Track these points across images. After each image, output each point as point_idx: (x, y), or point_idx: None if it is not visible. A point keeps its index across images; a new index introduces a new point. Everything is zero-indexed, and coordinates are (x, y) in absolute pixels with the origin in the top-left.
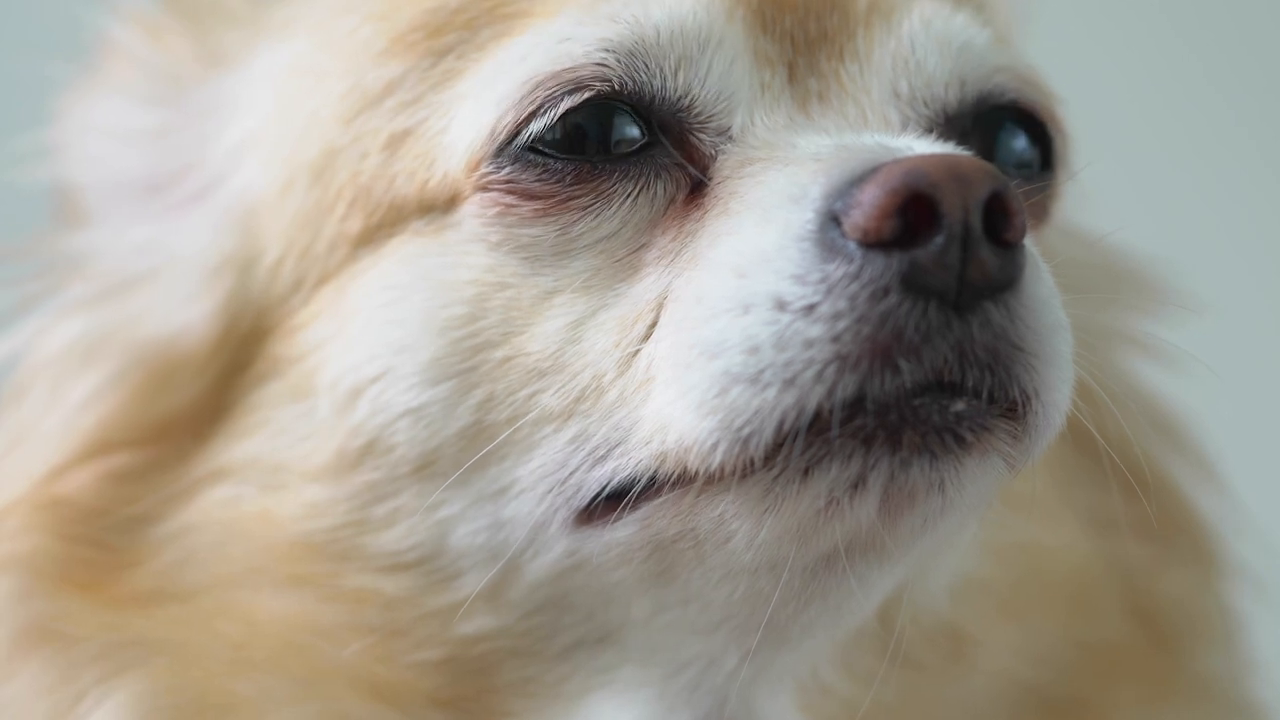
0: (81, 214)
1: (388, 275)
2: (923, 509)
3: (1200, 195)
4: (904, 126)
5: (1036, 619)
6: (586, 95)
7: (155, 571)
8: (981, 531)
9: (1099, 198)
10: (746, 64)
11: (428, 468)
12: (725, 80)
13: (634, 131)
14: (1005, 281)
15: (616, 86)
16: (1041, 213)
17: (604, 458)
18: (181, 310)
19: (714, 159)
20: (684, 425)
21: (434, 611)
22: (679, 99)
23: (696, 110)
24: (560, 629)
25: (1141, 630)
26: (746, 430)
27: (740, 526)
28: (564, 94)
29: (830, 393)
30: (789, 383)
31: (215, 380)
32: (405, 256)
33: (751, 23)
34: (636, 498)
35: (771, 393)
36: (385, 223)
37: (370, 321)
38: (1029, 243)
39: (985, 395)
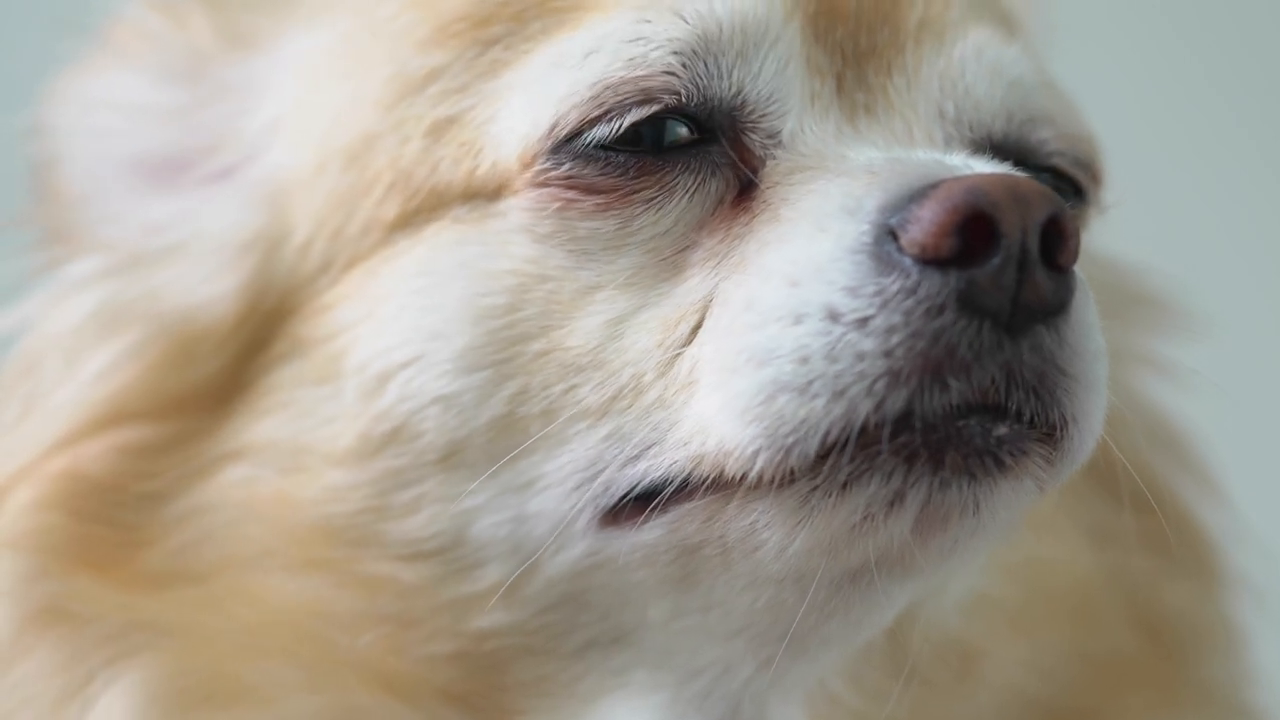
0: (66, 189)
1: (425, 260)
2: (955, 530)
3: (1207, 210)
4: (949, 145)
5: (1043, 633)
6: (654, 109)
7: (168, 551)
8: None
9: (1108, 216)
10: (799, 68)
11: (454, 456)
12: (778, 82)
13: (684, 130)
14: (1058, 305)
15: (684, 99)
16: None
17: (637, 458)
18: (206, 285)
19: (764, 162)
20: (726, 430)
21: (450, 603)
22: (733, 96)
23: (749, 109)
24: (575, 627)
25: (1146, 641)
26: (791, 439)
27: (771, 536)
28: (633, 104)
29: (879, 406)
30: (839, 394)
31: (235, 357)
32: (444, 243)
33: (806, 29)
34: (666, 501)
35: (820, 403)
36: (425, 208)
37: (404, 306)
38: (1078, 269)
39: (1027, 418)
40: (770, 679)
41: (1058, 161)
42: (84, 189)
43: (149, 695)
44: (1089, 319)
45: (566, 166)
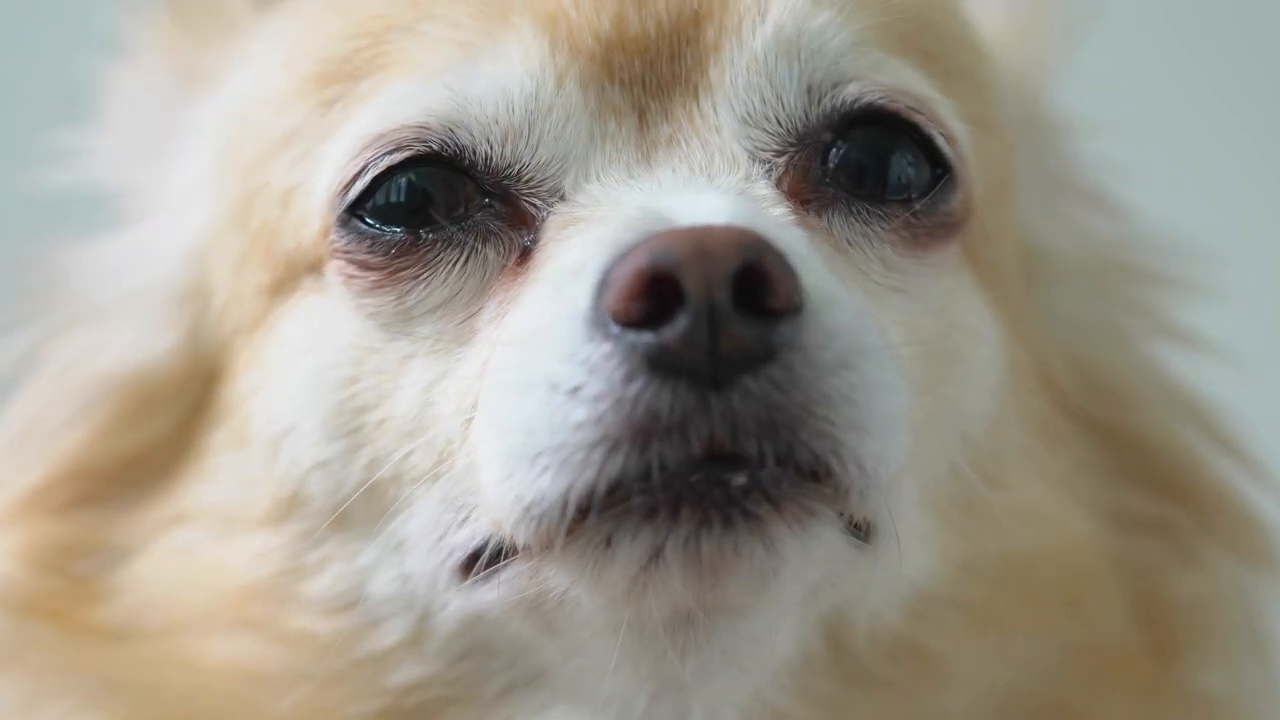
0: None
1: (288, 332)
2: (746, 572)
3: (1229, 181)
4: (752, 161)
5: (1020, 626)
6: (404, 156)
7: (117, 610)
8: (934, 549)
9: (1130, 185)
10: (582, 122)
11: (343, 519)
12: (558, 145)
13: (463, 198)
14: (763, 353)
15: (436, 148)
16: (938, 229)
17: (465, 520)
18: (148, 341)
19: (543, 220)
20: (493, 500)
21: (365, 659)
22: (506, 167)
23: (526, 177)
24: (489, 674)
25: (1142, 635)
26: (536, 510)
27: (578, 593)
28: (382, 155)
29: (598, 475)
30: (563, 464)
31: (182, 417)
32: (299, 314)
33: (593, 76)
34: (501, 560)
35: (549, 476)
36: (287, 277)
37: (280, 376)
38: (829, 300)
39: (773, 463)
40: (672, 709)
41: (866, 103)
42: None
43: None
44: (835, 355)
45: (345, 240)
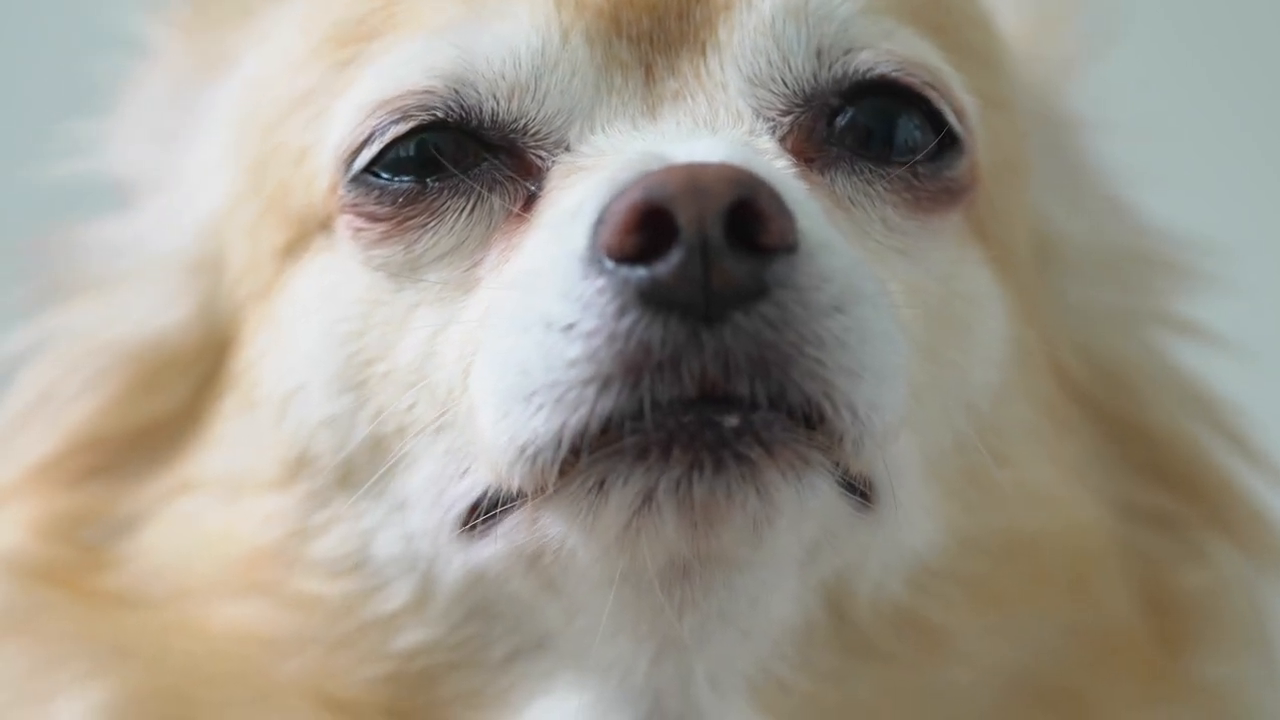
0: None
1: (300, 291)
2: (740, 519)
3: (1239, 177)
4: (757, 118)
5: (1024, 605)
6: (410, 125)
7: (126, 578)
8: (938, 520)
9: (1143, 184)
10: (588, 76)
11: (348, 477)
12: (561, 99)
13: (470, 150)
14: (756, 289)
15: (442, 115)
16: (941, 194)
17: (465, 472)
18: (162, 312)
19: (548, 170)
20: (490, 444)
21: (371, 622)
22: (512, 121)
23: (532, 130)
24: (493, 639)
25: (1150, 623)
26: (531, 450)
27: (574, 541)
28: (389, 123)
29: (590, 413)
30: (556, 403)
31: (195, 387)
32: (311, 272)
33: (599, 31)
34: (498, 512)
35: (543, 414)
36: (299, 236)
37: (291, 335)
38: (826, 245)
39: (765, 404)
40: (674, 672)
41: (879, 74)
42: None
43: (111, 714)
44: (828, 297)
45: (352, 194)
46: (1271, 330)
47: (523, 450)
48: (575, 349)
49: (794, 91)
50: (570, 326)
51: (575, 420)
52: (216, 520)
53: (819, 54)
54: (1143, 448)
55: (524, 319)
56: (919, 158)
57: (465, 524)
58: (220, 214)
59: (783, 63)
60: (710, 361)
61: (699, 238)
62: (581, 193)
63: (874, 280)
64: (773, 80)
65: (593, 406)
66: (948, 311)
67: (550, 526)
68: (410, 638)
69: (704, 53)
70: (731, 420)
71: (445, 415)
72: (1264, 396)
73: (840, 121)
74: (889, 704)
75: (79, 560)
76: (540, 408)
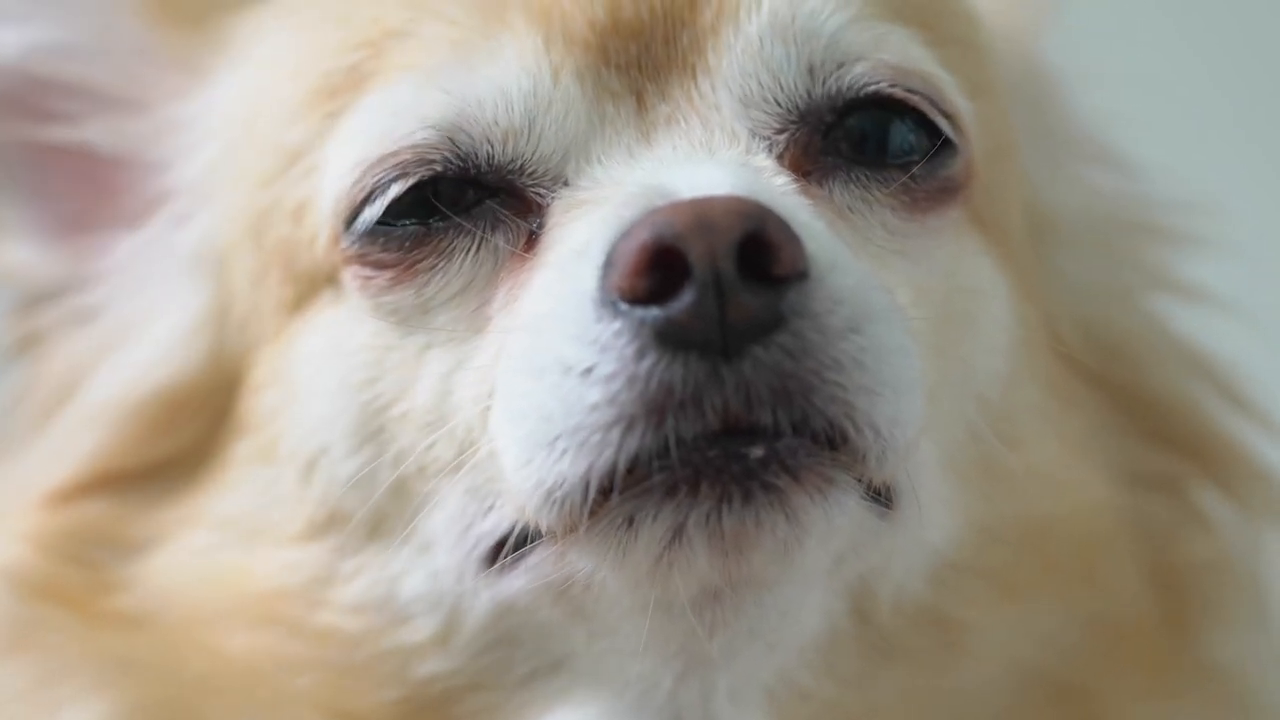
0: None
1: (309, 346)
2: (770, 545)
3: (1230, 133)
4: (752, 137)
5: (1038, 596)
6: (411, 182)
7: (133, 600)
8: (955, 513)
9: (1131, 138)
10: (581, 111)
11: (378, 528)
12: (559, 137)
13: (470, 193)
14: (772, 321)
15: (441, 169)
16: (939, 194)
17: (490, 509)
18: (172, 356)
19: (548, 206)
20: (515, 486)
21: (391, 651)
22: (509, 163)
23: (529, 169)
24: (514, 663)
25: (1158, 602)
26: (558, 494)
27: (604, 574)
28: (390, 181)
29: (617, 454)
30: (581, 447)
31: (208, 424)
32: (319, 326)
33: (588, 66)
34: (525, 547)
35: (567, 459)
36: (305, 291)
37: (307, 393)
38: (836, 266)
39: (789, 431)
40: (697, 688)
41: (876, 89)
42: None
43: None
44: (843, 319)
45: (356, 246)
46: (1268, 289)
47: (550, 494)
48: (596, 393)
49: (787, 110)
50: (589, 370)
51: (602, 462)
52: (230, 559)
53: (811, 71)
54: (1144, 414)
55: (539, 363)
56: (915, 163)
57: (491, 561)
58: (219, 251)
59: (774, 83)
60: (732, 396)
61: (711, 274)
62: (586, 230)
63: (884, 294)
64: (765, 101)
65: (618, 448)
66: (953, 308)
67: (579, 561)
68: (429, 668)
69: (694, 76)
70: (757, 451)
71: (464, 455)
72: (1262, 356)
73: (835, 134)
74: (906, 705)
75: (82, 579)
76: (564, 452)
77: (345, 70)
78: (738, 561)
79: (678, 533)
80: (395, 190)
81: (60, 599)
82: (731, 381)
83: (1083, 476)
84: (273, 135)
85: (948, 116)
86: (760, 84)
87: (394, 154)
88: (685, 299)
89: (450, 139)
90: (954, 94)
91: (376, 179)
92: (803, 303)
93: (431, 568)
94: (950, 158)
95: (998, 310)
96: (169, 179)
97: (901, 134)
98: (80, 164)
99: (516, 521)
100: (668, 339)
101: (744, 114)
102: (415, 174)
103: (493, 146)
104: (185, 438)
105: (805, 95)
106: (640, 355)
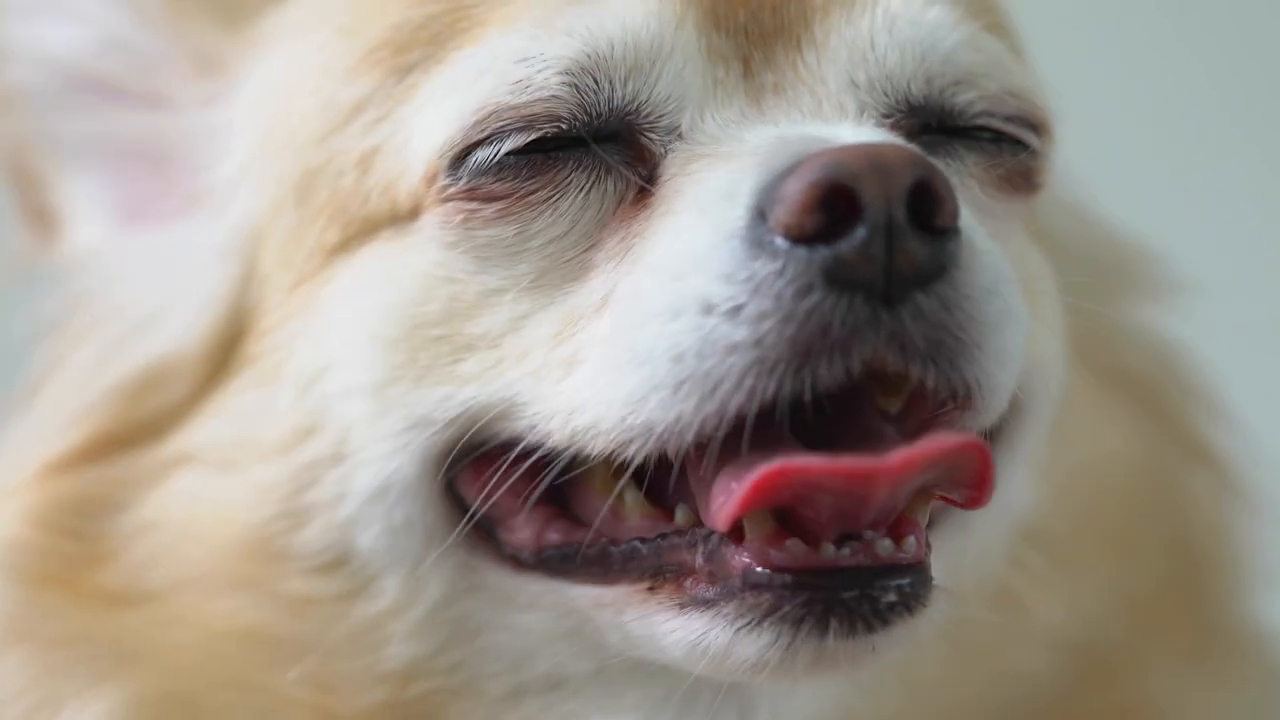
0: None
1: (355, 277)
2: (873, 660)
3: (1196, 183)
4: (862, 114)
5: (1089, 569)
6: (534, 136)
7: (123, 569)
8: (1032, 488)
9: (1093, 186)
10: (698, 65)
11: (344, 445)
12: (675, 84)
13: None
14: (935, 270)
15: (565, 127)
16: (1022, 179)
17: (501, 416)
18: (184, 330)
19: (662, 157)
20: (603, 414)
21: (362, 625)
22: (626, 105)
23: (645, 113)
24: (490, 672)
25: (1180, 567)
26: (666, 436)
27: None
28: (512, 130)
29: (749, 399)
30: (710, 392)
31: (202, 380)
32: (372, 259)
33: (703, 23)
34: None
35: (692, 403)
36: (359, 234)
37: (338, 317)
38: (972, 228)
39: (930, 386)
40: (736, 710)
41: (986, 121)
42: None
43: None
44: (986, 281)
45: (464, 181)
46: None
47: (658, 434)
48: (741, 332)
49: (895, 101)
50: (736, 309)
51: (733, 406)
52: (210, 496)
53: (928, 80)
54: (1146, 394)
55: (675, 303)
56: (1005, 163)
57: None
58: (251, 233)
59: (884, 78)
60: (885, 343)
61: (884, 217)
62: (727, 176)
63: (1008, 263)
64: (872, 87)
65: (751, 391)
66: (1028, 290)
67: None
68: (399, 652)
69: (799, 48)
70: (890, 597)
71: (492, 370)
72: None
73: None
74: (953, 684)
75: (78, 553)
76: (688, 395)
77: (416, 25)
78: (832, 670)
79: (787, 647)
80: (516, 141)
81: (55, 582)
82: (888, 328)
83: (1122, 449)
84: (323, 96)
85: (1037, 130)
86: (868, 73)
87: (525, 105)
88: (857, 238)
89: (575, 86)
90: (1045, 107)
91: (501, 125)
92: (960, 256)
93: (391, 521)
94: (1035, 153)
95: (1053, 298)
96: (208, 176)
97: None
98: (137, 156)
99: (530, 435)
100: (834, 278)
101: (851, 91)
102: (541, 129)
103: (614, 87)
104: (180, 394)
105: (921, 98)
106: (803, 294)
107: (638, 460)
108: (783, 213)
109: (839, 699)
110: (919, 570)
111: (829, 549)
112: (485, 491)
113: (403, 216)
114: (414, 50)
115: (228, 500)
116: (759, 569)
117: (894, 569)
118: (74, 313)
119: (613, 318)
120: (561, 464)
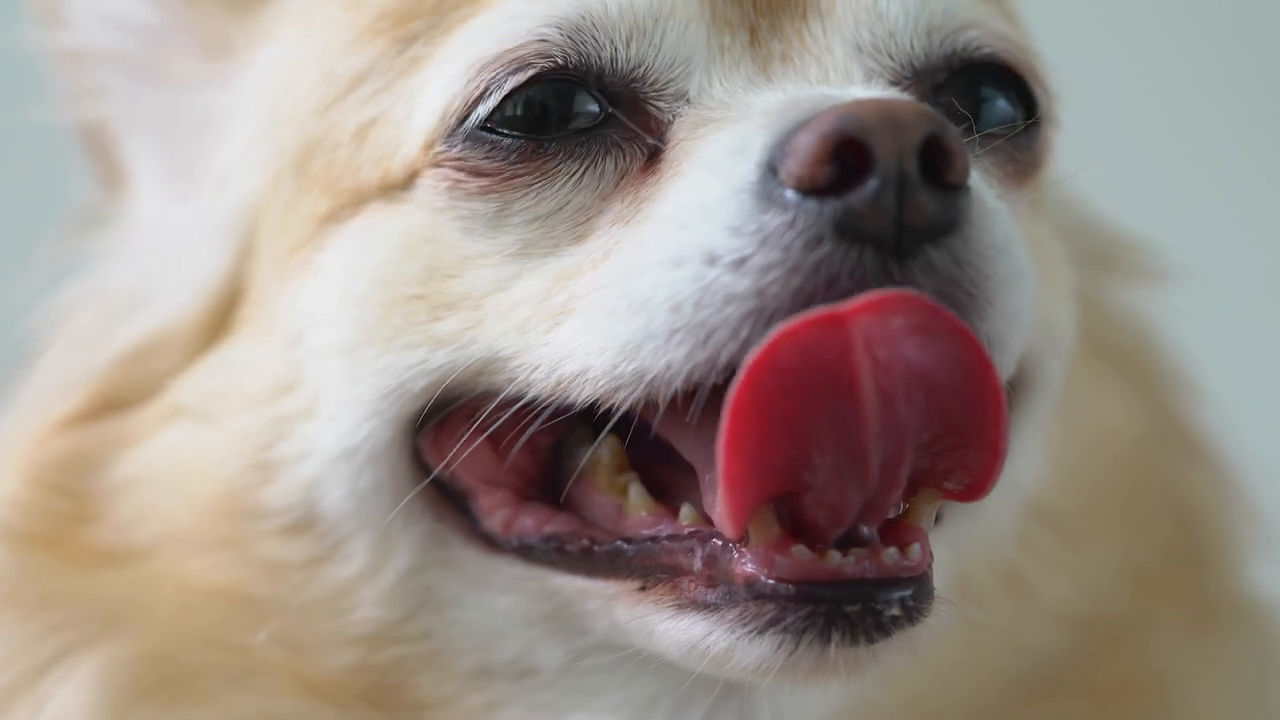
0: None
1: (344, 242)
2: (874, 666)
3: (1184, 177)
4: (868, 80)
5: (1097, 544)
6: (530, 74)
7: (110, 526)
8: (1041, 461)
9: (1085, 178)
10: (702, 29)
11: (318, 399)
12: (680, 46)
13: (592, 107)
14: (946, 224)
15: (561, 62)
16: (1029, 168)
17: (480, 372)
18: (184, 303)
19: (670, 124)
20: (593, 362)
21: (332, 589)
22: (632, 69)
23: (651, 78)
24: (458, 649)
25: (1182, 540)
26: (656, 383)
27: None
28: (507, 75)
29: (743, 349)
30: (703, 341)
31: (198, 346)
32: (361, 226)
33: None
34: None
35: (684, 350)
36: (350, 203)
37: (322, 280)
38: (981, 187)
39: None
40: (737, 709)
41: (991, 52)
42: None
43: (105, 687)
44: (995, 238)
45: (458, 149)
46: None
47: (647, 380)
48: (744, 283)
49: (901, 65)
50: (741, 260)
51: (725, 354)
52: (191, 447)
53: (929, 33)
54: (1134, 368)
55: (678, 253)
56: (1015, 132)
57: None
58: (251, 208)
59: (888, 37)
60: None
61: (896, 170)
62: (739, 134)
63: (1015, 222)
64: (877, 51)
65: (746, 340)
66: (1038, 255)
67: (632, 620)
68: (367, 615)
69: (805, 17)
70: (893, 610)
71: (474, 329)
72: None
73: (944, 95)
74: (961, 663)
75: (67, 510)
76: (680, 344)
77: None
78: (832, 676)
79: (789, 655)
80: (512, 82)
81: (43, 540)
82: (898, 281)
83: (1122, 423)
84: (325, 68)
85: (1043, 90)
86: (873, 34)
87: (514, 50)
88: (868, 190)
89: (572, 38)
90: (1044, 71)
91: (494, 74)
92: (970, 211)
93: (357, 486)
94: (1040, 133)
95: (1063, 266)
96: (214, 156)
97: (1003, 103)
98: (148, 133)
99: (509, 387)
100: (845, 230)
101: (858, 59)
102: (535, 65)
103: (616, 49)
104: (174, 360)
105: (923, 55)
106: (812, 245)
107: (624, 408)
108: (794, 164)
109: (853, 691)
110: (921, 581)
111: (834, 556)
112: (456, 450)
113: (395, 185)
114: (415, 21)
115: (207, 452)
116: (764, 579)
117: (897, 581)
118: (82, 282)
119: (610, 267)
120: (542, 416)
